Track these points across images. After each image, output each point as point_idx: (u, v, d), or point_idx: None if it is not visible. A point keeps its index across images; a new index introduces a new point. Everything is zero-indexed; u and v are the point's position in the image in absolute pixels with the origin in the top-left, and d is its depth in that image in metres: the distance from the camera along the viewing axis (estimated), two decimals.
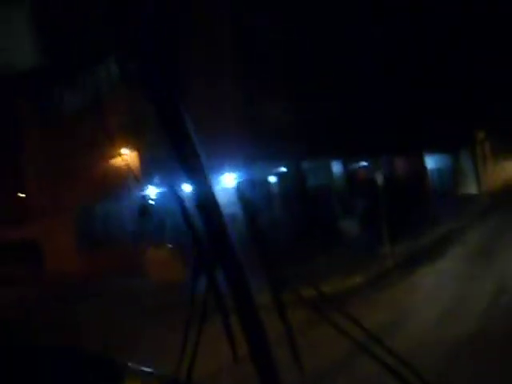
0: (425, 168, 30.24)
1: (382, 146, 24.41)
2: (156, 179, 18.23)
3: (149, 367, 2.43)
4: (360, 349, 1.53)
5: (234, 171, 16.51)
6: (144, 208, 18.04)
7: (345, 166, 23.29)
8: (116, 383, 2.12)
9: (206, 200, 1.58)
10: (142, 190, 19.40)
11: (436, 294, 10.90)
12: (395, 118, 25.56)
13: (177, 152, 1.54)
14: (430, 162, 32.81)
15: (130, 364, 2.39)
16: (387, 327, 8.09)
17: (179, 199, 1.76)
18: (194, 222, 1.71)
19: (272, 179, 21.87)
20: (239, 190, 1.75)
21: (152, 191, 19.07)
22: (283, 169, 20.72)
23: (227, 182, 15.43)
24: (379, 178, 16.12)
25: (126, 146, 20.19)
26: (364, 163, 25.44)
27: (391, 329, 8.16)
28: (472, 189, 35.52)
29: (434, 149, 32.05)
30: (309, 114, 21.48)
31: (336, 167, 23.65)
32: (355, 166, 25.08)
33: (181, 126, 1.51)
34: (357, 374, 6.21)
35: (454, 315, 9.13)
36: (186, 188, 1.75)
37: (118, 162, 21.82)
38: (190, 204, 1.68)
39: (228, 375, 4.89)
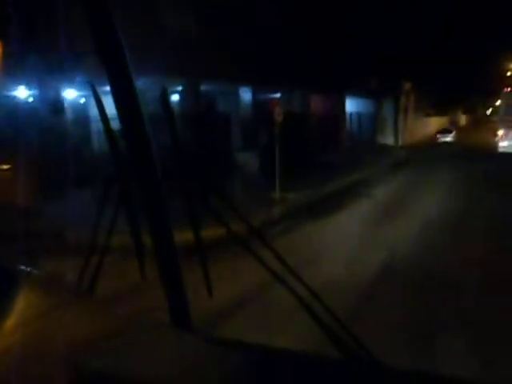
0: (343, 110, 28.29)
1: (298, 80, 22.20)
2: (29, 79, 15.07)
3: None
4: (276, 280, 1.58)
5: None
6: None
7: (254, 95, 20.84)
8: (11, 289, 1.83)
9: (128, 104, 1.54)
10: (10, 91, 16.22)
11: (321, 253, 8.85)
12: (317, 51, 23.42)
13: (102, 51, 1.49)
14: (352, 104, 30.99)
15: (24, 268, 2.17)
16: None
17: (99, 102, 1.62)
18: (112, 128, 1.65)
19: (175, 97, 19.08)
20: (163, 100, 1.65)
21: (23, 93, 15.95)
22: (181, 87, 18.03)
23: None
24: (278, 113, 13.81)
25: None
26: (277, 95, 23.11)
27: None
28: (391, 140, 34.20)
29: (357, 92, 30.19)
30: (221, 33, 19.02)
31: (247, 95, 21.21)
32: (267, 96, 22.70)
33: (109, 24, 1.48)
34: (268, 305, 6.02)
35: (338, 280, 7.20)
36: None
37: None
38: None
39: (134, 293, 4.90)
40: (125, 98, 1.52)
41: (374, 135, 34.44)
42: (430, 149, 34.74)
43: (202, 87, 18.66)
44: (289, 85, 22.05)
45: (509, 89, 27.99)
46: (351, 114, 30.56)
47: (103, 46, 1.49)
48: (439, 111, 54.39)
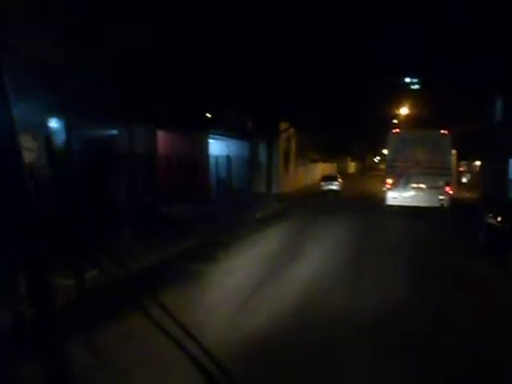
0: (205, 152, 23.73)
1: (141, 113, 17.65)
2: None
3: None
4: (171, 340, 1.64)
5: None
6: None
7: (70, 129, 15.75)
8: None
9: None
10: None
11: None
12: (173, 80, 19.17)
13: None
14: (221, 147, 26.64)
15: None
16: None
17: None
18: None
19: None
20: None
21: None
22: None
23: None
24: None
25: None
26: (113, 131, 18.25)
27: None
28: (269, 188, 30.00)
29: (228, 132, 25.94)
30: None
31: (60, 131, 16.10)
32: (100, 133, 17.81)
33: None
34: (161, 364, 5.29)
35: None
36: None
37: None
38: None
39: None
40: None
41: (249, 182, 30.21)
42: (311, 198, 30.96)
43: None
44: (125, 119, 17.29)
45: (397, 129, 24.72)
46: (217, 158, 26.07)
47: None
48: (326, 157, 51.79)
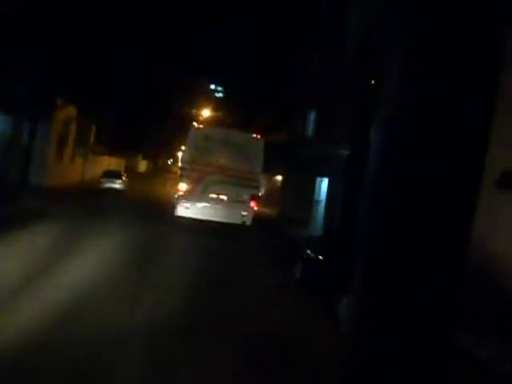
0: None
1: None
2: None
3: None
4: None
5: None
6: None
7: None
8: None
9: None
10: None
11: None
12: None
13: None
14: None
15: None
16: None
17: None
18: None
19: None
20: None
21: None
22: None
23: None
24: None
25: None
26: None
27: None
28: (26, 177, 24.29)
29: None
30: None
31: None
32: None
33: None
34: None
35: None
36: None
37: None
38: None
39: None
40: None
41: (3, 168, 24.17)
42: (86, 197, 25.86)
43: None
44: None
45: (201, 125, 20.83)
46: None
47: None
48: (113, 151, 46.54)
